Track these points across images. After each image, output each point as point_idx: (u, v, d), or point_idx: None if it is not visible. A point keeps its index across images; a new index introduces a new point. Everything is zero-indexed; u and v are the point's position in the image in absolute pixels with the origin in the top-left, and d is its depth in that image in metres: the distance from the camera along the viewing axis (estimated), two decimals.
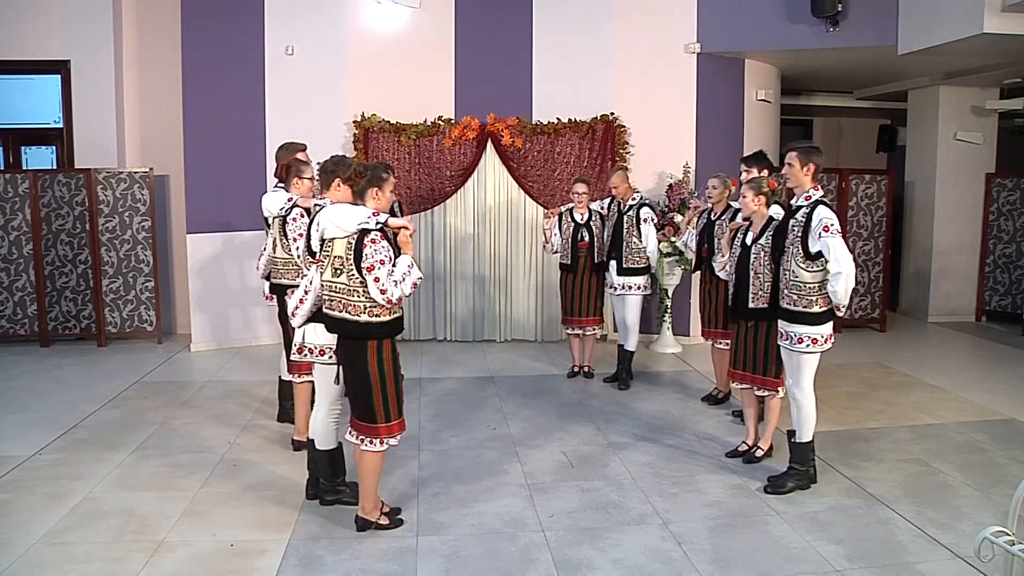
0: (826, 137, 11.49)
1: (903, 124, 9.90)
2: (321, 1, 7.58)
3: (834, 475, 4.46)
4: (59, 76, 7.88)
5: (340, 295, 3.56)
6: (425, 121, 7.64)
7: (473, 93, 7.70)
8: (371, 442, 3.65)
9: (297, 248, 4.40)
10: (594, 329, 6.40)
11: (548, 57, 7.76)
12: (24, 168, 8.18)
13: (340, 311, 3.57)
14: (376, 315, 3.52)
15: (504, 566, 3.45)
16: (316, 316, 3.79)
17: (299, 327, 3.86)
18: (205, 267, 7.53)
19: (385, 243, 3.49)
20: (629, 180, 6.32)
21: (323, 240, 3.61)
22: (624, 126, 7.68)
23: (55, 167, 8.13)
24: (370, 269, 3.44)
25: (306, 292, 3.74)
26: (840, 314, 4.18)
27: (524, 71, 7.78)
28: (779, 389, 4.53)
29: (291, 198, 4.54)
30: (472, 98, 7.68)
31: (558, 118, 7.64)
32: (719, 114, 7.88)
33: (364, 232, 3.46)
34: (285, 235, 4.56)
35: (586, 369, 6.51)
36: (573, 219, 6.25)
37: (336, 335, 3.66)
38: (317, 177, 4.08)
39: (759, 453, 4.65)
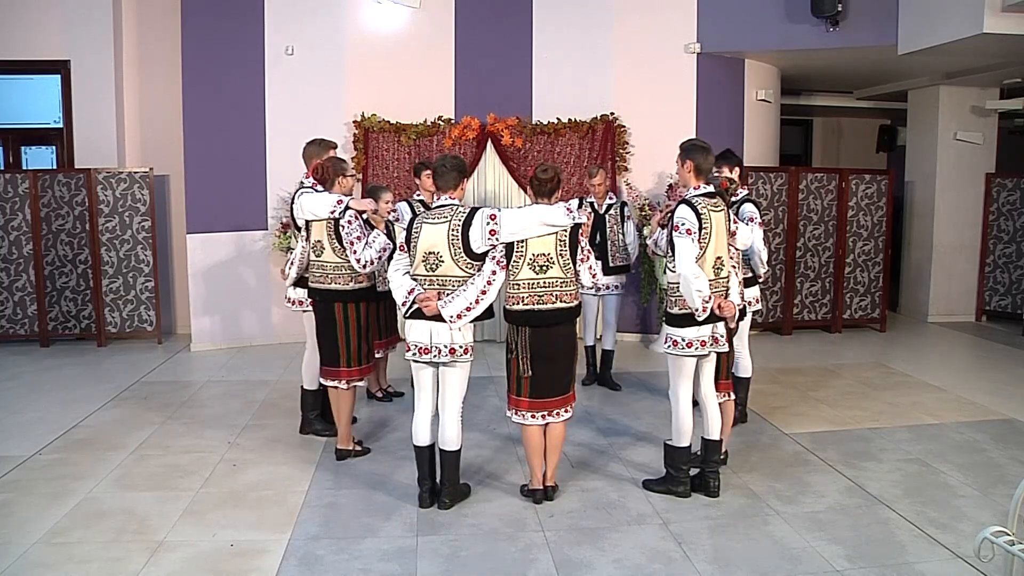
0: (826, 137, 11.50)
1: (903, 124, 9.90)
2: (321, 1, 7.58)
3: (834, 475, 4.46)
4: (59, 76, 7.89)
5: (554, 288, 3.84)
6: (425, 121, 7.65)
7: (473, 93, 7.71)
8: (566, 411, 4.01)
9: (355, 251, 4.29)
10: None
11: (548, 57, 7.76)
12: (24, 168, 8.18)
13: (554, 302, 3.85)
14: (577, 299, 3.92)
15: (504, 566, 3.45)
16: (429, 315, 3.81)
17: (461, 328, 3.83)
18: (205, 267, 7.53)
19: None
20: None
21: (510, 242, 3.79)
22: (624, 126, 7.68)
23: (55, 167, 8.14)
24: (583, 260, 3.88)
25: (484, 294, 3.76)
26: (700, 319, 3.86)
27: (524, 71, 7.79)
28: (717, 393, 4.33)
29: (341, 199, 4.38)
30: (472, 98, 7.69)
31: (558, 118, 7.65)
32: (719, 114, 7.88)
33: (577, 225, 3.83)
34: (338, 238, 4.40)
35: None
36: None
37: (529, 327, 3.86)
38: (435, 177, 4.02)
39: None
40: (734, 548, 3.61)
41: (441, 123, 7.65)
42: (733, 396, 4.47)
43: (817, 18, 7.20)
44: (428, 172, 5.74)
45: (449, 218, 3.80)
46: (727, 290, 4.03)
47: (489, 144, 7.62)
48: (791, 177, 8.12)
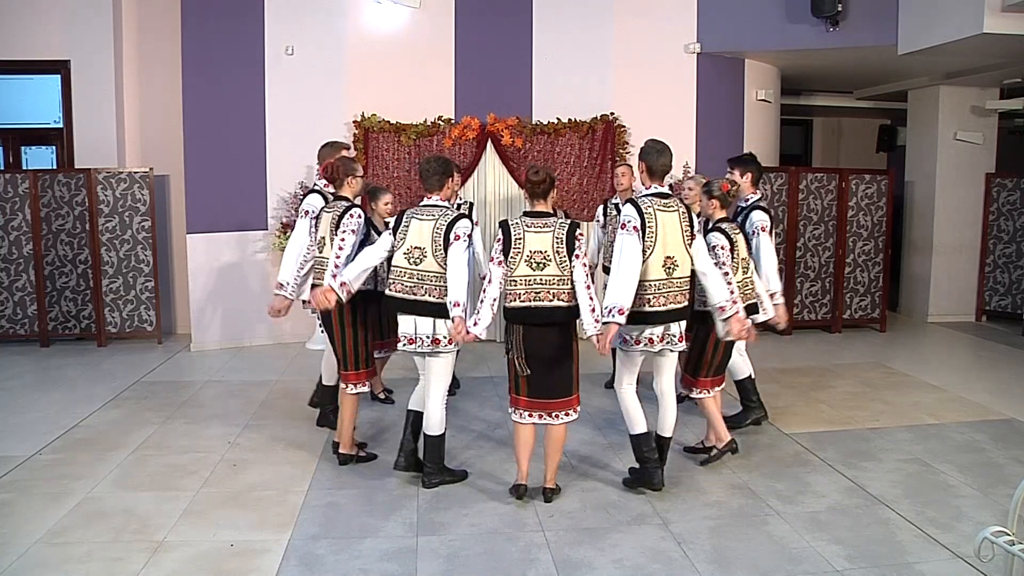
0: (826, 137, 11.50)
1: (903, 124, 9.90)
2: (321, 1, 7.58)
3: (834, 475, 4.46)
4: (59, 76, 7.88)
5: (550, 286, 3.84)
6: (425, 121, 7.64)
7: (473, 93, 7.71)
8: (567, 414, 3.99)
9: (342, 246, 4.24)
10: None
11: (548, 57, 7.76)
12: (24, 168, 8.18)
13: (551, 300, 3.84)
14: (574, 299, 3.86)
15: (504, 566, 3.45)
16: (441, 309, 3.96)
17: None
18: (205, 267, 7.53)
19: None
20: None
21: (508, 239, 3.87)
22: (624, 126, 7.68)
23: (55, 167, 8.13)
24: (577, 257, 3.85)
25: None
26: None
27: (524, 71, 7.79)
28: (694, 389, 4.51)
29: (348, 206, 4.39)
30: (472, 98, 7.69)
31: (558, 118, 7.65)
32: (719, 114, 7.88)
33: (575, 226, 3.87)
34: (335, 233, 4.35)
35: None
36: None
37: (524, 324, 3.88)
38: (426, 178, 4.13)
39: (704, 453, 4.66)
40: (734, 548, 3.61)
41: (441, 123, 7.65)
42: (715, 392, 4.52)
43: (817, 18, 7.21)
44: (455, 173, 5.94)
45: (436, 217, 4.01)
46: (684, 291, 4.01)
47: (489, 144, 7.62)
48: (791, 177, 8.12)
